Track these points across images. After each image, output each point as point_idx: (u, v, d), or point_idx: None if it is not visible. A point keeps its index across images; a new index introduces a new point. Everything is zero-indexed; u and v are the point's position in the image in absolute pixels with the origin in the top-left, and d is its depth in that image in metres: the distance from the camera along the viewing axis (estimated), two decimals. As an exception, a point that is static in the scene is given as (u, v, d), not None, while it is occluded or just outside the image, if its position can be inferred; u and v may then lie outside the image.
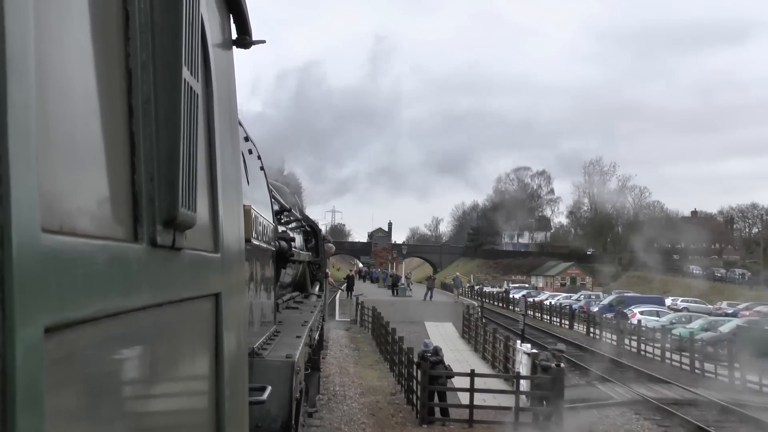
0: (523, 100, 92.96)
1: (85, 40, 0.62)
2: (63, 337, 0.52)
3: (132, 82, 0.72)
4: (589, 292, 38.00)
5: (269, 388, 2.05)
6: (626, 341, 18.21)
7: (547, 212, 69.99)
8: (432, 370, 8.76)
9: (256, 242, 2.92)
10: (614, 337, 19.17)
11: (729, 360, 13.62)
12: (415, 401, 9.34)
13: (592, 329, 21.41)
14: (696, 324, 19.62)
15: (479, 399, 8.91)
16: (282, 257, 4.26)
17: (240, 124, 2.93)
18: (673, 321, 21.21)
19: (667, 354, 15.82)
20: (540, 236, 68.13)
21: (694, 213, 57.98)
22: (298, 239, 6.38)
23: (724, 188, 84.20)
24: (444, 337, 17.88)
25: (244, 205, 1.70)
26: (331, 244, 10.95)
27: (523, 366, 10.03)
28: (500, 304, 34.17)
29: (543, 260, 58.45)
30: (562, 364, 9.15)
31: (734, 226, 54.27)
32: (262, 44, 1.52)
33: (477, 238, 65.98)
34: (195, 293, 0.93)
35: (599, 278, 51.81)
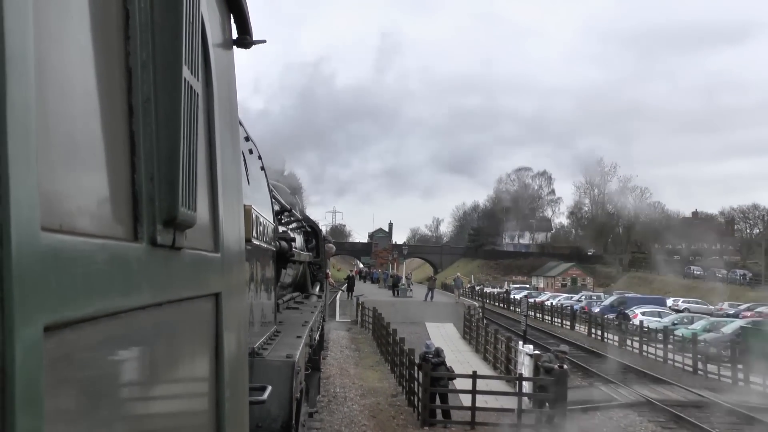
0: (524, 101, 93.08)
1: (85, 39, 0.61)
2: (62, 337, 0.52)
3: (132, 82, 0.72)
4: (590, 293, 37.90)
5: (269, 388, 2.05)
6: (628, 342, 18.17)
7: (548, 213, 70.06)
8: (433, 372, 8.71)
9: (256, 242, 2.92)
10: (616, 338, 19.15)
11: (732, 361, 13.56)
12: (416, 403, 9.29)
13: (593, 330, 21.37)
14: (698, 325, 19.55)
15: (481, 401, 8.83)
16: (282, 257, 4.26)
17: (240, 123, 2.93)
18: (675, 322, 21.16)
19: (670, 355, 15.77)
20: (541, 237, 68.09)
21: (695, 214, 57.93)
22: (299, 239, 6.38)
23: (724, 189, 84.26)
24: (445, 337, 17.86)
25: (244, 205, 1.70)
26: (331, 245, 10.94)
27: (525, 367, 9.96)
28: (501, 305, 34.14)
29: (544, 261, 58.39)
30: (565, 366, 9.08)
31: (735, 227, 54.17)
32: (262, 44, 1.52)
33: (478, 238, 65.96)
34: (195, 293, 0.93)
35: (600, 279, 51.74)
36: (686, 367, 14.82)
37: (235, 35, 1.41)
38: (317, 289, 7.66)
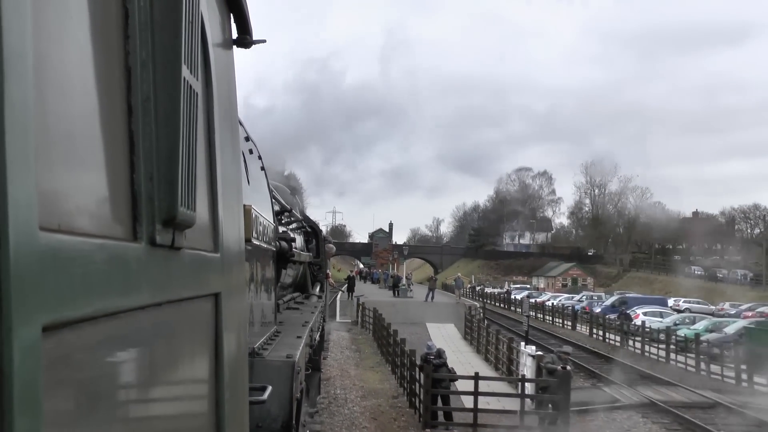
0: (524, 101, 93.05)
1: (84, 38, 0.61)
2: (61, 337, 0.52)
3: (131, 81, 0.71)
4: (591, 293, 37.83)
5: (270, 388, 2.05)
6: (630, 342, 18.06)
7: (549, 213, 70.03)
8: (435, 373, 8.64)
9: (256, 242, 2.92)
10: (618, 338, 19.04)
11: (736, 362, 13.49)
12: (417, 405, 9.22)
13: (595, 330, 21.30)
14: (700, 325, 19.46)
15: (483, 402, 8.76)
16: (282, 258, 4.26)
17: (240, 123, 2.93)
18: (677, 322, 21.06)
19: (672, 355, 15.69)
20: (541, 237, 68.05)
21: (696, 214, 57.90)
22: (299, 240, 6.38)
23: (725, 190, 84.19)
24: (446, 338, 17.82)
25: (244, 205, 1.70)
26: (331, 245, 10.93)
27: (527, 368, 9.89)
28: (501, 305, 34.07)
29: (544, 261, 58.33)
30: (569, 367, 8.96)
31: (736, 227, 54.14)
32: (262, 43, 1.52)
33: (478, 238, 65.96)
34: (194, 293, 0.93)
35: (600, 279, 51.67)
36: (689, 368, 14.75)
37: (235, 35, 1.41)
38: (317, 289, 7.65)
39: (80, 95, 0.60)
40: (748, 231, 54.24)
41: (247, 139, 3.84)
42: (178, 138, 0.78)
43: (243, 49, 1.45)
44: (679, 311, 26.49)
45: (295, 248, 4.91)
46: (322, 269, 8.30)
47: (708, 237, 49.17)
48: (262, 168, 4.43)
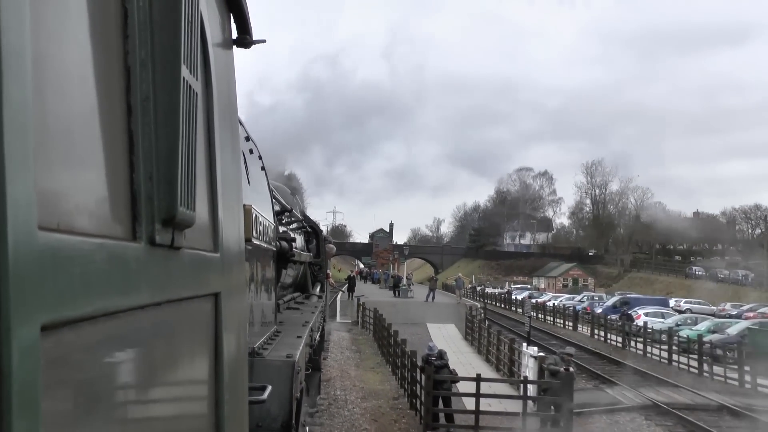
0: (525, 101, 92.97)
1: (84, 38, 0.61)
2: (60, 336, 0.52)
3: (131, 80, 0.71)
4: (592, 293, 37.78)
5: (269, 388, 2.05)
6: (632, 343, 17.96)
7: (549, 213, 69.97)
8: (436, 375, 8.55)
9: (256, 242, 2.92)
10: (619, 339, 18.95)
11: (739, 363, 13.37)
12: (418, 406, 9.14)
13: (596, 331, 21.21)
14: (703, 326, 19.37)
15: (484, 404, 8.69)
16: (283, 258, 4.26)
17: (240, 123, 2.93)
18: (679, 323, 21.00)
19: (674, 356, 15.62)
20: (542, 237, 68.01)
21: (696, 214, 57.86)
22: (299, 240, 6.38)
23: (726, 190, 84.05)
24: (446, 338, 17.80)
25: (244, 205, 1.70)
26: (332, 245, 10.92)
27: (529, 370, 9.80)
28: (502, 305, 34.02)
29: (545, 261, 58.31)
30: (572, 369, 8.84)
31: (737, 227, 54.07)
32: (262, 43, 1.52)
33: (478, 238, 65.93)
34: (194, 293, 0.93)
35: (601, 279, 51.61)
36: (691, 369, 14.66)
37: (235, 35, 1.41)
38: (318, 289, 7.65)
39: (79, 95, 0.60)
40: (749, 231, 54.19)
41: (248, 138, 3.84)
42: (178, 138, 0.78)
43: (243, 49, 1.45)
44: (680, 312, 26.41)
45: (296, 248, 4.91)
46: (323, 269, 8.29)
47: (709, 237, 49.04)
48: (263, 168, 4.43)
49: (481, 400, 8.56)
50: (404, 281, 30.79)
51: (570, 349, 10.10)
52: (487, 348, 14.63)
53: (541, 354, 10.13)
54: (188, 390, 0.94)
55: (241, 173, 2.01)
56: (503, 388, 10.11)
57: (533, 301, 26.30)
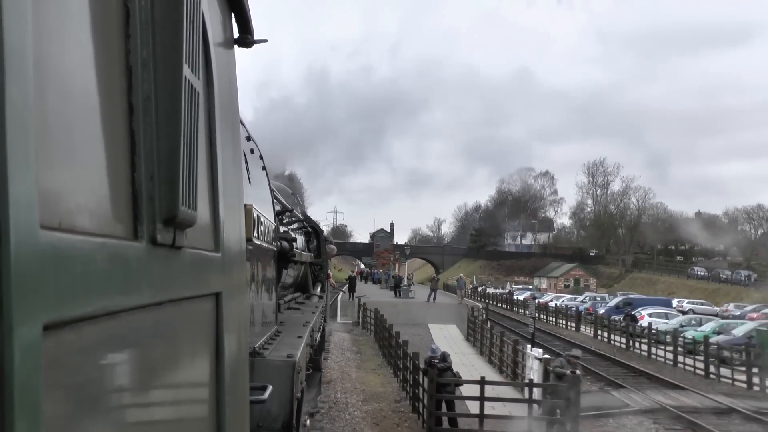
0: (525, 101, 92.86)
1: (85, 37, 0.61)
2: (61, 335, 0.52)
3: (132, 80, 0.71)
4: (594, 294, 37.70)
5: (270, 388, 2.05)
6: (636, 344, 17.78)
7: (550, 213, 69.88)
8: (440, 378, 8.35)
9: (257, 242, 2.92)
10: (623, 340, 18.77)
11: (747, 365, 13.19)
12: (421, 410, 8.97)
13: (599, 332, 21.09)
14: (708, 327, 19.13)
15: (488, 407, 8.47)
16: (283, 258, 4.26)
17: (242, 123, 2.94)
18: (683, 324, 20.75)
19: (679, 358, 15.40)
20: (543, 237, 67.92)
21: (698, 214, 57.73)
22: (300, 240, 6.38)
23: (727, 191, 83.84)
24: (448, 339, 17.73)
25: (245, 204, 1.70)
26: (333, 246, 10.91)
27: (534, 372, 9.62)
28: (503, 306, 33.93)
29: (546, 261, 58.22)
30: (578, 371, 8.60)
31: (739, 228, 53.93)
32: (263, 43, 1.52)
33: (479, 239, 65.87)
34: (195, 292, 0.93)
35: (603, 280, 51.49)
36: (697, 371, 14.46)
37: (236, 34, 1.41)
38: (318, 289, 7.65)
39: (81, 94, 0.60)
40: (752, 231, 54.02)
41: (249, 138, 3.84)
42: (179, 137, 0.78)
43: (244, 49, 1.45)
44: (683, 312, 26.24)
45: (296, 248, 4.92)
46: (323, 269, 8.29)
47: (711, 237, 48.91)
48: (264, 168, 4.44)
49: (485, 403, 8.37)
50: (405, 281, 30.75)
51: (576, 351, 9.81)
52: (490, 349, 14.51)
53: (546, 356, 9.98)
54: (189, 389, 0.94)
55: (242, 173, 2.01)
56: (507, 391, 9.71)
57: (536, 301, 26.17)
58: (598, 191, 61.91)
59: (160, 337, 0.80)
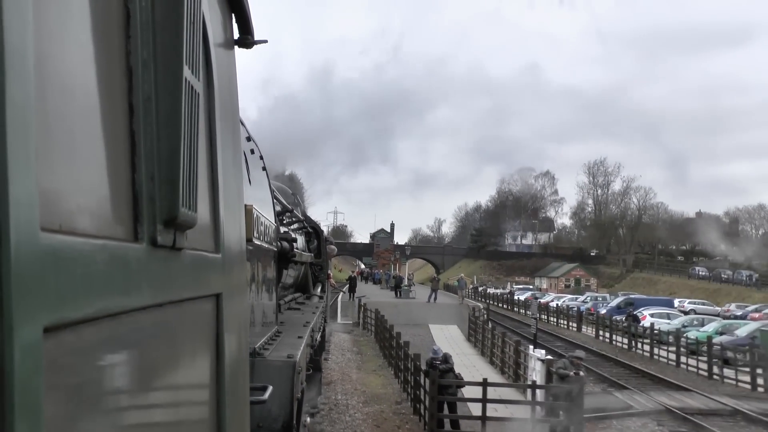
0: (526, 101, 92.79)
1: (86, 38, 0.61)
2: (62, 337, 0.52)
3: (133, 81, 0.71)
4: (595, 294, 37.59)
5: (270, 388, 2.05)
6: (639, 345, 17.68)
7: (551, 213, 69.86)
8: (441, 379, 8.24)
9: (257, 242, 2.92)
10: (625, 340, 18.69)
11: (751, 366, 13.05)
12: (422, 411, 8.88)
13: (601, 332, 20.99)
14: (710, 327, 19.05)
15: (490, 409, 8.36)
16: (284, 258, 4.26)
17: (242, 123, 2.94)
18: (686, 324, 20.68)
19: (682, 358, 15.31)
20: (543, 237, 67.88)
21: (699, 214, 57.66)
22: (300, 240, 6.39)
23: (728, 191, 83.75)
24: (449, 340, 17.70)
25: (245, 205, 1.70)
26: (333, 246, 10.90)
27: (536, 373, 9.48)
28: (504, 306, 33.87)
29: (547, 261, 58.18)
30: (582, 373, 8.47)
31: (740, 228, 53.85)
32: (264, 44, 1.52)
33: (480, 239, 65.85)
34: (196, 294, 0.93)
35: (603, 280, 51.42)
36: (701, 372, 14.35)
37: (236, 35, 1.41)
38: (319, 290, 7.65)
39: (81, 95, 0.60)
40: (753, 231, 53.93)
41: (249, 139, 3.84)
42: (180, 138, 0.78)
43: (245, 49, 1.45)
44: (684, 313, 26.15)
45: (297, 248, 4.92)
46: (324, 270, 8.29)
47: (712, 238, 48.83)
48: (264, 168, 4.44)
49: (488, 405, 8.27)
50: (405, 282, 30.72)
51: (580, 353, 9.61)
52: (491, 350, 14.45)
53: (549, 357, 9.86)
54: (189, 390, 0.94)
55: (243, 173, 2.01)
56: (510, 393, 9.61)
57: (538, 302, 26.06)
58: (599, 191, 61.94)
59: (161, 339, 0.80)
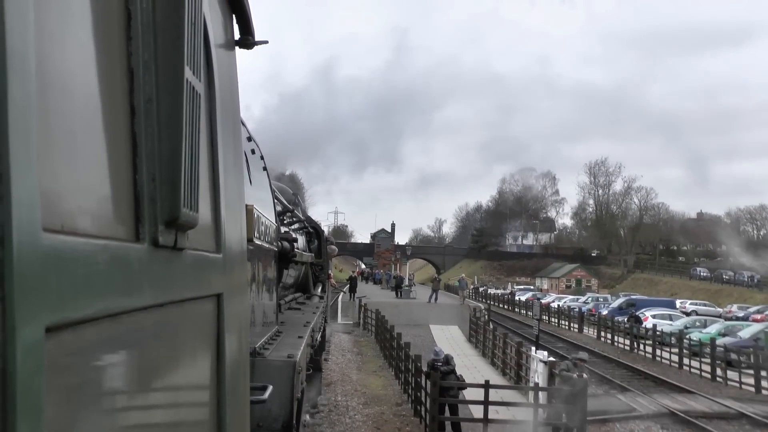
0: (526, 101, 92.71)
1: (87, 39, 0.62)
2: (64, 337, 0.52)
3: (134, 82, 0.72)
4: (596, 294, 37.49)
5: (270, 388, 2.06)
6: (641, 346, 17.57)
7: (552, 213, 69.76)
8: (443, 381, 8.11)
9: (258, 242, 2.93)
10: (627, 341, 18.57)
11: (755, 368, 12.94)
12: (423, 414, 8.78)
13: (603, 333, 20.87)
14: (712, 328, 18.91)
15: (492, 411, 8.26)
16: (284, 258, 4.27)
17: (243, 124, 2.94)
18: (688, 325, 20.51)
19: (685, 360, 15.18)
20: (544, 238, 67.79)
21: (700, 214, 57.52)
22: (301, 240, 6.39)
23: (729, 191, 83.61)
24: (450, 340, 17.65)
25: (246, 204, 1.70)
26: (333, 246, 10.89)
27: (539, 375, 9.36)
28: (505, 306, 33.78)
29: (547, 262, 58.11)
30: (585, 375, 8.32)
31: (741, 228, 53.68)
32: (265, 44, 1.52)
33: (481, 239, 65.78)
34: (197, 294, 0.94)
35: (604, 280, 51.30)
36: (704, 374, 14.22)
37: (237, 36, 1.41)
38: (319, 290, 7.65)
39: (83, 96, 0.60)
40: (755, 232, 53.77)
41: (250, 139, 3.85)
42: (181, 139, 0.78)
43: (245, 50, 1.46)
44: (686, 314, 25.92)
45: (297, 249, 4.92)
46: (324, 270, 8.28)
47: (713, 238, 48.65)
48: (265, 168, 4.44)
49: (490, 407, 8.16)
50: (406, 282, 30.68)
51: (583, 354, 9.49)
52: (493, 351, 14.35)
53: (552, 359, 9.73)
54: (190, 390, 0.94)
55: (243, 174, 2.02)
56: (512, 395, 9.58)
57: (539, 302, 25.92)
58: (600, 191, 61.83)
59: (162, 339, 0.80)
